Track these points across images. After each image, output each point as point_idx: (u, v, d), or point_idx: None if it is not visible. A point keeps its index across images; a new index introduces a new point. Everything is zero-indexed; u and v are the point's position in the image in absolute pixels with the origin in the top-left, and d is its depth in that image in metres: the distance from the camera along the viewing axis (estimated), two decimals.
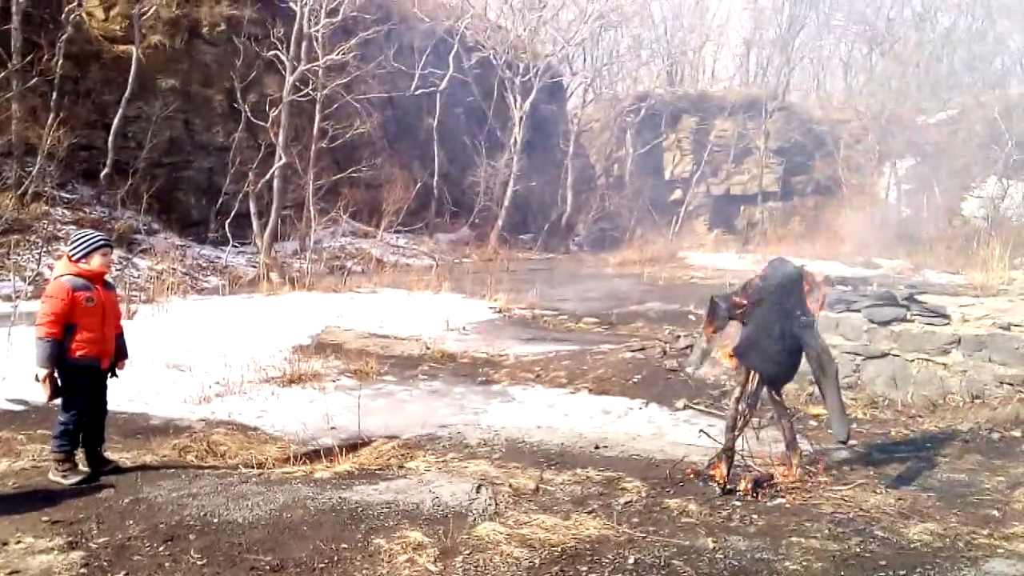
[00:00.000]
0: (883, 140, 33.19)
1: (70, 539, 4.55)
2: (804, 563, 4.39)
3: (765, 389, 5.92)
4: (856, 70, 42.64)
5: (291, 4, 20.54)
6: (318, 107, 21.54)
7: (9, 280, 13.82)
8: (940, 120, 33.58)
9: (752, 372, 5.82)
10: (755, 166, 37.02)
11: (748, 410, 5.88)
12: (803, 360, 5.93)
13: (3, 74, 16.06)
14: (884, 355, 8.50)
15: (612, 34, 39.42)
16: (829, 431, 6.62)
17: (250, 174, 20.33)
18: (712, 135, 37.61)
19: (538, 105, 31.73)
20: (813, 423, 7.63)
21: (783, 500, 5.43)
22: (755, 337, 5.81)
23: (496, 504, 5.20)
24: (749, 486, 5.55)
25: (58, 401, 5.58)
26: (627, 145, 37.91)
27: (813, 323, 5.84)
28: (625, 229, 34.76)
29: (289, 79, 20.02)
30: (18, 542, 4.51)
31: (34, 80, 17.28)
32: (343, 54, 20.92)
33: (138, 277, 16.43)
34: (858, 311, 8.77)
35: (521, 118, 29.84)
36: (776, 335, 5.72)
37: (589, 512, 5.13)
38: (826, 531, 4.86)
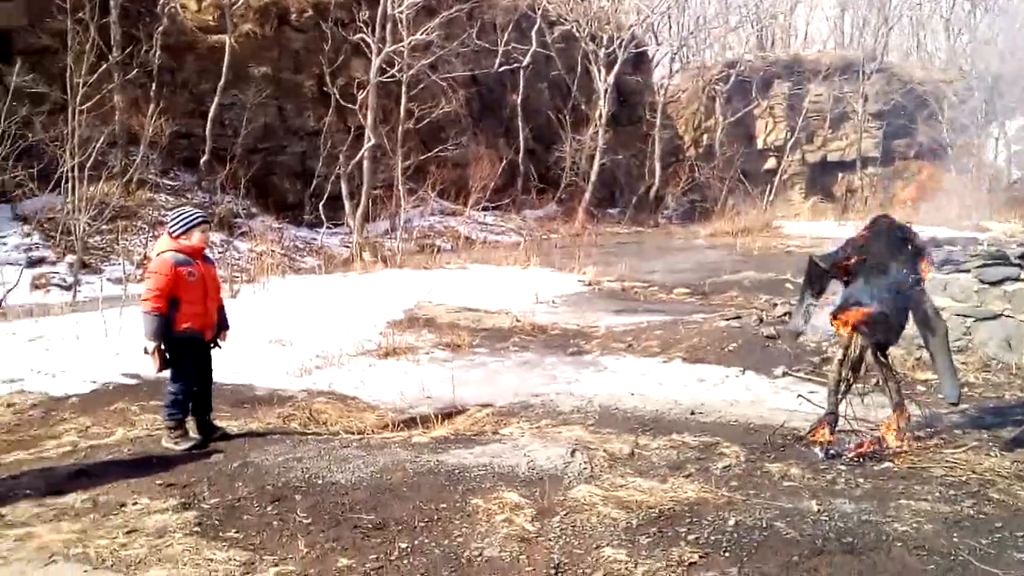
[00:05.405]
0: (990, 100, 31.40)
1: (183, 500, 4.75)
2: (914, 525, 4.23)
3: (870, 352, 5.70)
4: (959, 28, 40.42)
5: None
6: (404, 88, 21.73)
7: (119, 264, 14.50)
8: None
9: (856, 334, 5.61)
10: (853, 131, 35.62)
11: (852, 374, 5.68)
12: (910, 323, 5.69)
13: (105, 67, 16.74)
14: (996, 316, 8.07)
15: (698, 0, 38.45)
16: (939, 395, 6.35)
17: (341, 157, 20.74)
18: (806, 101, 36.25)
19: (623, 77, 31.18)
20: (921, 388, 7.32)
21: (890, 464, 5.24)
22: (858, 297, 5.59)
23: (591, 467, 5.18)
24: (854, 450, 5.37)
25: (167, 373, 5.80)
26: (716, 114, 36.94)
27: (920, 283, 5.59)
28: (716, 200, 33.84)
29: (375, 61, 20.25)
30: (135, 504, 4.74)
31: (134, 72, 17.95)
32: (427, 34, 21.04)
33: (239, 258, 17.00)
34: (967, 271, 8.34)
35: (606, 91, 29.38)
36: (881, 295, 5.50)
37: (686, 476, 5.07)
38: (937, 494, 4.67)
